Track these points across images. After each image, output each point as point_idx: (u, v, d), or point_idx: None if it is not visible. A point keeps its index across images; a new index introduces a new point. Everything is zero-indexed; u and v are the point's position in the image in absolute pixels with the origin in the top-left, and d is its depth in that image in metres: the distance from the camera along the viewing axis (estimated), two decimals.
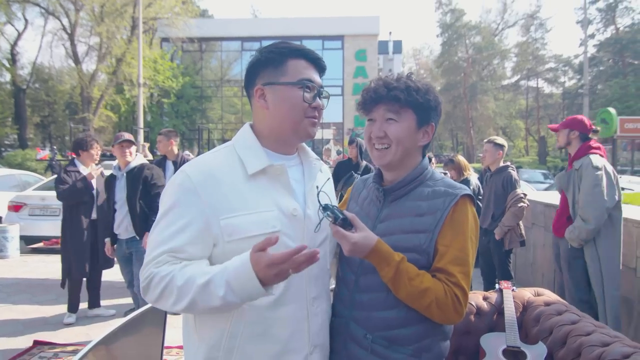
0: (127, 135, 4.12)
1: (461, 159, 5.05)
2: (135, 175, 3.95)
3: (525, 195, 4.27)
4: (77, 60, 23.34)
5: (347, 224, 1.22)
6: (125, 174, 3.98)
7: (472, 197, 1.35)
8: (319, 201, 1.22)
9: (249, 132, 1.31)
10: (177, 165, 4.83)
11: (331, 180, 1.48)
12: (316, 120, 1.29)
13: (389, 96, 1.31)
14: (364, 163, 5.69)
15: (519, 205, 4.16)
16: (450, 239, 1.27)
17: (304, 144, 1.39)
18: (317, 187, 1.27)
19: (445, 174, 5.44)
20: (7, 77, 27.25)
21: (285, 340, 1.22)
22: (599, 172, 3.25)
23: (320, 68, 1.32)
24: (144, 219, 3.91)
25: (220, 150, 1.31)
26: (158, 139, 5.04)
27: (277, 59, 1.26)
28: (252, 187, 1.22)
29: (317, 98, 1.28)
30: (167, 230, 1.17)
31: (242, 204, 1.19)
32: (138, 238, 3.95)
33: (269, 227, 1.19)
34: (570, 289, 3.36)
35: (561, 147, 3.57)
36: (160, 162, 4.92)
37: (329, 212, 1.19)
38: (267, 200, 1.22)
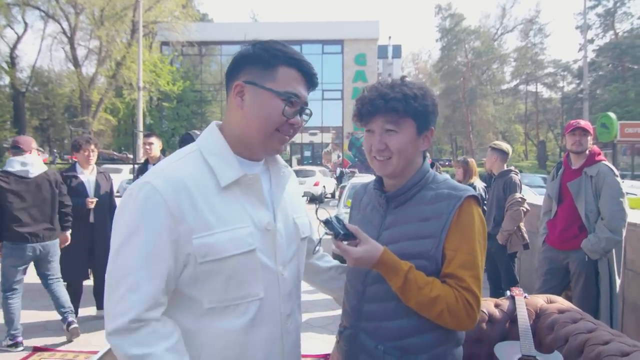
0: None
1: (474, 163, 5.09)
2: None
3: (523, 199, 4.24)
4: (76, 64, 23.35)
5: (349, 238, 1.19)
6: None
7: (477, 198, 1.31)
8: (317, 218, 1.19)
9: (217, 136, 1.17)
10: None
11: (296, 181, 1.38)
12: (288, 137, 1.19)
13: (387, 107, 1.25)
14: None
15: (515, 209, 4.15)
16: (458, 242, 1.23)
17: None
18: (317, 204, 1.24)
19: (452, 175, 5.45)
20: (7, 80, 27.29)
21: None
22: (620, 180, 3.15)
23: (312, 84, 1.20)
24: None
25: (185, 156, 1.14)
26: (151, 140, 4.78)
27: (270, 60, 1.13)
28: (224, 200, 1.10)
29: (298, 115, 1.18)
30: (132, 263, 1.02)
31: (216, 220, 1.07)
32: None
33: (245, 245, 1.10)
34: (582, 304, 3.10)
35: (581, 152, 3.30)
36: (142, 169, 4.75)
37: (328, 228, 1.17)
38: (242, 214, 1.12)
